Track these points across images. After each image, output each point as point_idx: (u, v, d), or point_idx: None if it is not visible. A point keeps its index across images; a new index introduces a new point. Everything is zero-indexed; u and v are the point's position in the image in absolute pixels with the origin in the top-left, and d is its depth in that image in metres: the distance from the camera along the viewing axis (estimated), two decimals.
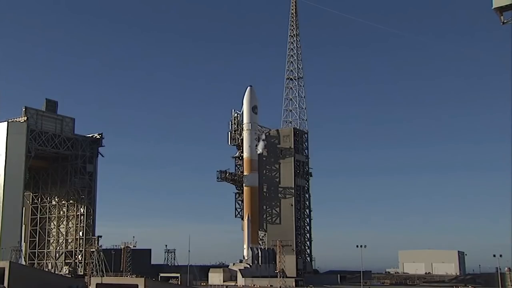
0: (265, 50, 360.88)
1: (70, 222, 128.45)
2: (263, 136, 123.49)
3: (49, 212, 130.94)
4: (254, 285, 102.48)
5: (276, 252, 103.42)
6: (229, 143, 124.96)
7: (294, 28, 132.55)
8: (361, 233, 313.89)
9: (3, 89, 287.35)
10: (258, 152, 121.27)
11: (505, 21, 29.28)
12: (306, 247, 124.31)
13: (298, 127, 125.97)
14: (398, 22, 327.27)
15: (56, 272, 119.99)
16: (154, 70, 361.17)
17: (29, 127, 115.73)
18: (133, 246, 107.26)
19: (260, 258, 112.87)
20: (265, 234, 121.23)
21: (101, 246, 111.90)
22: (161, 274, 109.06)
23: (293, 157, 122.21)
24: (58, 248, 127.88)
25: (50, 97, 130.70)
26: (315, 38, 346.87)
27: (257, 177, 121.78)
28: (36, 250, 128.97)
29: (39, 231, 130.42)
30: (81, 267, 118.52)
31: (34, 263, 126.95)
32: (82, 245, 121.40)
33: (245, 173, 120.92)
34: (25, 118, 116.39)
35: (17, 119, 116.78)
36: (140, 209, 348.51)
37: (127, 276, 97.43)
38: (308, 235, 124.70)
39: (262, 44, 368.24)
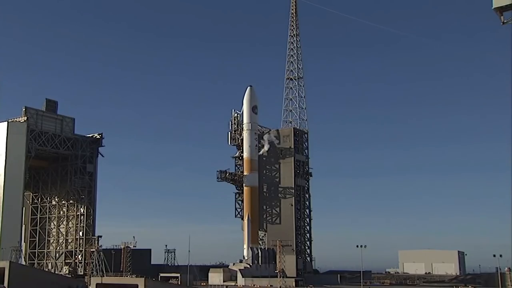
0: (265, 50, 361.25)
1: (70, 222, 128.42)
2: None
3: (49, 212, 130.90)
4: (254, 285, 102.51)
5: (276, 252, 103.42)
6: (229, 143, 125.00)
7: (294, 28, 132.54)
8: (361, 233, 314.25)
9: (3, 89, 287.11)
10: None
11: (505, 21, 29.26)
12: (306, 247, 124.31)
13: (298, 127, 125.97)
14: (398, 22, 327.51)
15: (56, 272, 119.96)
16: (154, 70, 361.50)
17: (29, 127, 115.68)
18: (133, 246, 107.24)
19: (260, 258, 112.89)
20: (265, 234, 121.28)
21: (101, 246, 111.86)
22: (161, 274, 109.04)
23: (293, 157, 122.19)
24: (58, 248, 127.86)
25: (50, 97, 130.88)
26: (315, 38, 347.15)
27: (257, 177, 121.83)
28: (36, 250, 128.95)
29: (39, 231, 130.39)
30: (81, 267, 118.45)
31: (34, 263, 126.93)
32: (82, 245, 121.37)
33: (245, 173, 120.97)
34: (25, 118, 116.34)
35: (17, 119, 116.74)
36: (140, 209, 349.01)
37: (127, 276, 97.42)
38: (308, 235, 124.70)
39: (262, 44, 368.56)
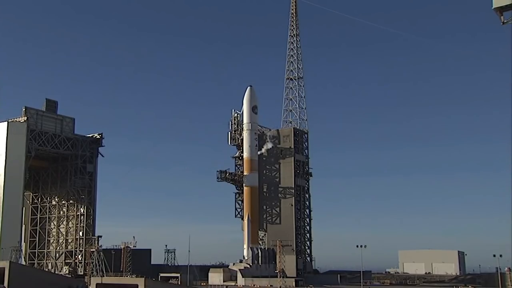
0: (265, 50, 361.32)
1: (70, 222, 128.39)
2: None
3: (49, 212, 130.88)
4: (254, 285, 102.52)
5: (276, 252, 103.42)
6: (229, 143, 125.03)
7: (294, 28, 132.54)
8: (361, 233, 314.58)
9: (3, 89, 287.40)
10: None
11: (505, 21, 29.25)
12: (306, 247, 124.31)
13: (298, 127, 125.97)
14: (398, 22, 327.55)
15: (56, 272, 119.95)
16: (154, 70, 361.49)
17: (29, 127, 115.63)
18: (133, 246, 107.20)
19: (260, 258, 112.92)
20: (265, 234, 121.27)
21: (101, 246, 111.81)
22: (161, 274, 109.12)
23: (293, 157, 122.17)
24: (58, 248, 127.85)
25: (50, 97, 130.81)
26: (315, 38, 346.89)
27: (257, 177, 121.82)
28: (36, 250, 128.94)
29: (39, 231, 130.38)
30: (81, 267, 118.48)
31: (34, 263, 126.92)
32: (82, 245, 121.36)
33: (245, 173, 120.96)
34: (25, 118, 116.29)
35: (17, 119, 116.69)
36: (140, 209, 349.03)
37: (127, 276, 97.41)
38: (308, 235, 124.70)
39: (262, 44, 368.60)
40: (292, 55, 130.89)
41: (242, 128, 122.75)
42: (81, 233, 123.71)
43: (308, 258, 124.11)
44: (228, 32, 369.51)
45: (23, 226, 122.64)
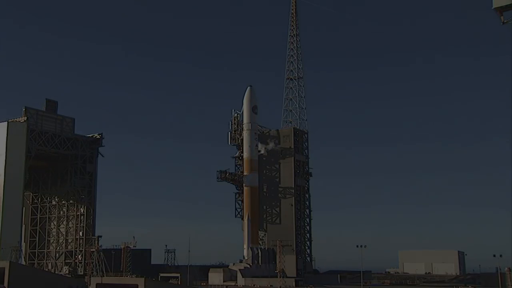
0: (265, 50, 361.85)
1: (70, 222, 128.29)
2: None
3: (49, 212, 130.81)
4: (254, 285, 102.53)
5: (276, 252, 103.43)
6: (229, 143, 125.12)
7: (294, 28, 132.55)
8: (361, 233, 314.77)
9: (3, 89, 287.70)
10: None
11: (505, 21, 29.28)
12: (306, 247, 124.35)
13: (298, 127, 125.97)
14: (398, 22, 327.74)
15: (56, 272, 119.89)
16: (154, 70, 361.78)
17: (29, 127, 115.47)
18: (133, 246, 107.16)
19: (260, 258, 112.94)
20: (265, 234, 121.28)
21: (101, 246, 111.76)
22: (161, 274, 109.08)
23: (293, 157, 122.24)
24: (58, 248, 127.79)
25: (50, 97, 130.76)
26: (315, 38, 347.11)
27: (257, 177, 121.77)
28: (36, 250, 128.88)
29: (39, 231, 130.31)
30: (81, 267, 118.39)
31: (34, 263, 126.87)
32: (82, 245, 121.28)
33: (245, 173, 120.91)
34: (25, 118, 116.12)
35: (17, 119, 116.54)
36: (140, 209, 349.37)
37: (127, 276, 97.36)
38: (308, 235, 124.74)
39: (262, 44, 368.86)
40: (292, 55, 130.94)
41: (242, 128, 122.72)
42: (81, 233, 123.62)
43: (308, 258, 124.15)
44: (228, 32, 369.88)
45: (23, 226, 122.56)
